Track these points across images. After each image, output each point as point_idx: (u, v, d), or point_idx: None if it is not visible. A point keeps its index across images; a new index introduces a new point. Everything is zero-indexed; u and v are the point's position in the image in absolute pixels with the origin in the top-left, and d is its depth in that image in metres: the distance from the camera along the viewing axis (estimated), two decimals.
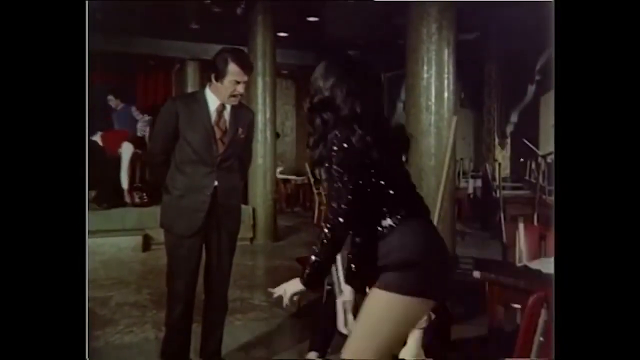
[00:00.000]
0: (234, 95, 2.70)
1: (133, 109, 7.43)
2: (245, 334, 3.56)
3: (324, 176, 1.79)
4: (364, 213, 1.71)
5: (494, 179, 7.25)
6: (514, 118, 9.57)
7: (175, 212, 2.74)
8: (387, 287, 1.71)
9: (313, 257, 1.76)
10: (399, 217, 1.73)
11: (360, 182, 1.69)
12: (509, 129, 9.70)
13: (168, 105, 2.81)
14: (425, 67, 4.39)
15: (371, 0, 6.89)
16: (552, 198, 1.98)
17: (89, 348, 3.06)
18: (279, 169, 10.55)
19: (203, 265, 2.86)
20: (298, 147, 12.49)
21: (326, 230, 1.70)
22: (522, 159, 8.56)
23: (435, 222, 2.68)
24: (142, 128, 7.35)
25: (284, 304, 1.88)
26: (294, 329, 3.76)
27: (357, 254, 1.76)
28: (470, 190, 8.77)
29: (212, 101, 2.74)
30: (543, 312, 1.81)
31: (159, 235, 3.54)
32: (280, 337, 3.66)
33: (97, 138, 6.87)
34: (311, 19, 8.06)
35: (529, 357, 1.85)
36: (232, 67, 2.64)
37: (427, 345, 2.53)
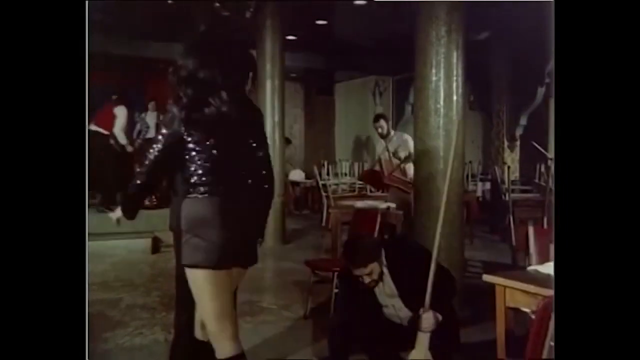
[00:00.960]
0: None
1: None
2: (254, 336, 3.57)
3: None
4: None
5: (503, 181, 7.21)
6: (523, 121, 9.51)
7: (183, 215, 2.74)
8: None
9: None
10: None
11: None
12: (519, 131, 9.64)
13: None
14: (433, 70, 4.37)
15: (379, 3, 6.89)
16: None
17: (99, 350, 3.09)
18: (293, 172, 10.55)
19: None
20: (306, 150, 12.51)
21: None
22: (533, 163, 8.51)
23: (439, 225, 2.65)
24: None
25: None
26: (303, 332, 3.76)
27: None
28: (479, 193, 8.73)
29: None
30: (553, 315, 1.80)
31: (168, 237, 3.55)
32: (289, 339, 3.66)
33: (93, 126, 6.84)
34: (320, 22, 8.08)
35: None
36: None
37: (435, 348, 2.53)
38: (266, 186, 2.29)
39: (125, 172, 6.62)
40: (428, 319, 2.52)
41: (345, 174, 9.62)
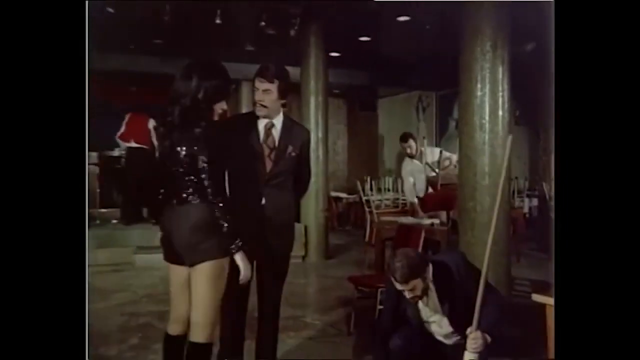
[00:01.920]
0: (254, 103, 2.75)
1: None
2: (297, 352, 3.58)
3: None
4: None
5: (550, 198, 7.03)
6: None
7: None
8: None
9: None
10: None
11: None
12: None
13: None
14: (479, 85, 4.35)
15: (423, 18, 6.89)
16: None
17: None
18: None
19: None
20: (349, 165, 12.52)
21: None
22: None
23: (489, 243, 2.60)
24: None
25: None
26: (346, 348, 3.75)
27: None
28: (526, 210, 8.54)
29: (261, 120, 2.78)
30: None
31: None
32: (333, 355, 3.65)
33: (133, 143, 7.02)
34: (363, 38, 8.12)
35: None
36: (255, 78, 2.73)
37: None
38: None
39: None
40: (476, 339, 2.46)
41: (389, 190, 9.57)
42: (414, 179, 5.94)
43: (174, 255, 2.42)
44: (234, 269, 2.76)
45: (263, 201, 2.74)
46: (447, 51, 5.28)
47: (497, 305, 2.65)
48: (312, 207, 7.14)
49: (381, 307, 3.73)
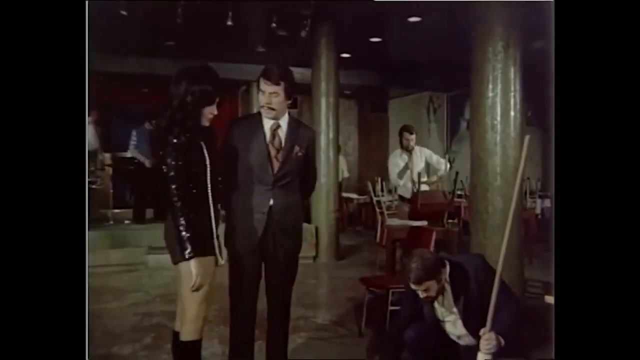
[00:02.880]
0: (261, 106, 2.76)
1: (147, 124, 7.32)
2: (308, 352, 3.59)
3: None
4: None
5: None
6: None
7: (233, 231, 2.78)
8: None
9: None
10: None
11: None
12: None
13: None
14: (490, 86, 4.33)
15: (433, 19, 6.87)
16: None
17: None
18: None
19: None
20: (360, 166, 12.52)
21: None
22: None
23: (504, 243, 2.58)
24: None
25: None
26: (357, 349, 3.75)
27: None
28: (538, 211, 8.47)
29: (267, 121, 2.79)
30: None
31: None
32: (343, 356, 3.65)
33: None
34: (374, 39, 8.12)
35: None
36: (260, 80, 2.72)
37: None
38: None
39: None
40: (490, 340, 2.44)
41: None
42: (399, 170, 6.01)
43: None
44: (240, 270, 2.80)
45: (271, 202, 2.76)
46: (458, 52, 5.27)
47: (513, 309, 2.64)
48: (322, 207, 7.15)
49: (392, 307, 3.74)
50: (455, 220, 5.80)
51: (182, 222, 2.33)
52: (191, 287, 2.39)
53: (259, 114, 2.83)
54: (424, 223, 5.23)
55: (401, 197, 6.16)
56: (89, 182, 6.34)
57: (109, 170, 7.77)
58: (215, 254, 2.48)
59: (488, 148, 4.33)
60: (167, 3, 6.01)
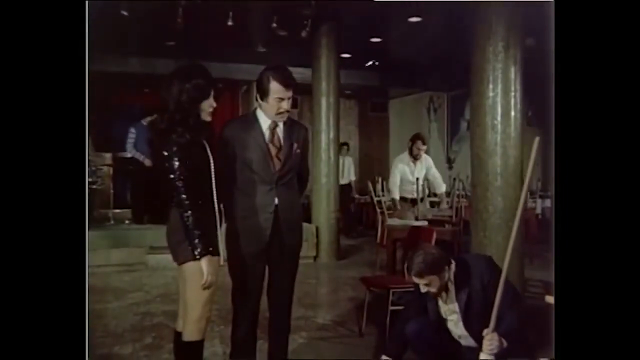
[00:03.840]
0: (279, 113, 2.73)
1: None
2: (309, 352, 3.59)
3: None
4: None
5: None
6: None
7: (239, 233, 2.77)
8: None
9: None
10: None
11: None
12: None
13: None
14: (490, 86, 4.33)
15: (434, 19, 6.88)
16: None
17: None
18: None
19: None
20: (361, 166, 12.52)
21: None
22: None
23: (511, 242, 2.55)
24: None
25: None
26: (358, 349, 3.75)
27: None
28: (539, 211, 8.47)
29: (264, 120, 2.78)
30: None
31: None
32: (344, 356, 3.66)
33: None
34: (374, 39, 8.12)
35: None
36: (274, 85, 2.67)
37: None
38: None
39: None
40: (492, 341, 2.43)
41: None
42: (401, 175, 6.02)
43: None
44: (245, 271, 2.80)
45: (276, 201, 2.76)
46: (459, 52, 5.27)
47: (519, 313, 2.62)
48: (323, 207, 7.16)
49: (393, 307, 3.74)
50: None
51: (191, 220, 2.32)
52: (202, 285, 2.37)
53: (254, 113, 2.82)
54: (424, 223, 5.24)
55: (403, 198, 6.15)
56: (89, 182, 6.35)
57: (109, 170, 7.76)
58: (219, 254, 2.47)
59: (488, 148, 4.33)
60: (167, 3, 6.01)
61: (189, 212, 2.33)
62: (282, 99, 2.69)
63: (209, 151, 2.46)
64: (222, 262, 2.54)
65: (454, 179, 6.02)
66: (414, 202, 6.02)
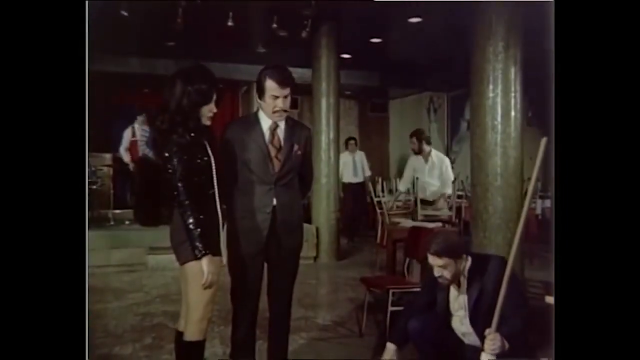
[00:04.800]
0: (275, 111, 2.72)
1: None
2: (309, 352, 3.59)
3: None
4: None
5: None
6: None
7: (238, 233, 2.77)
8: None
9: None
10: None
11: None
12: None
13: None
14: (491, 87, 4.33)
15: (434, 20, 6.88)
16: None
17: None
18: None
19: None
20: None
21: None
22: None
23: (515, 243, 2.54)
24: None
25: None
26: (358, 349, 3.75)
27: None
28: (539, 211, 8.47)
29: (265, 121, 2.78)
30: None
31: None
32: (344, 356, 3.66)
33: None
34: (374, 40, 8.12)
35: None
36: (269, 83, 2.68)
37: None
38: None
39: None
40: (494, 341, 2.41)
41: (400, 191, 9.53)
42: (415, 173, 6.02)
43: None
44: (243, 271, 2.80)
45: (274, 202, 2.76)
46: (459, 52, 5.27)
47: (524, 316, 2.61)
48: (323, 208, 7.16)
49: (393, 308, 3.74)
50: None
51: (192, 220, 2.33)
52: (203, 284, 2.37)
53: (255, 114, 2.83)
54: (438, 224, 5.23)
55: (423, 201, 5.99)
56: (89, 183, 6.35)
57: (109, 170, 7.76)
58: (221, 254, 2.48)
59: (488, 148, 4.34)
60: (167, 3, 6.02)
61: (190, 212, 2.33)
62: (277, 97, 2.69)
63: (210, 152, 2.46)
64: (224, 262, 2.55)
65: (454, 179, 6.01)
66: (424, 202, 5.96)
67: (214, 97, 2.48)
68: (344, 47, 7.53)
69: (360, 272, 5.96)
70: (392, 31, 7.72)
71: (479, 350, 2.52)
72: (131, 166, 7.53)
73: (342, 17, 7.05)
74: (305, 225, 3.14)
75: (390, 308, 3.78)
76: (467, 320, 2.71)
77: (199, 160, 2.41)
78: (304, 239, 2.98)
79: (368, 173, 9.12)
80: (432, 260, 2.65)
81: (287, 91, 2.70)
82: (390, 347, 2.80)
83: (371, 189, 7.25)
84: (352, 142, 9.29)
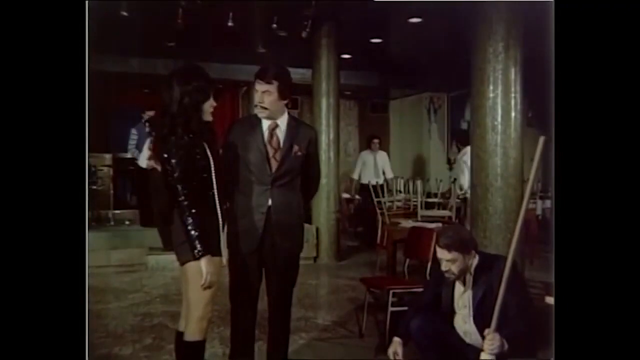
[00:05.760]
0: (256, 105, 2.77)
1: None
2: (308, 353, 3.59)
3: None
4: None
5: None
6: None
7: (235, 231, 2.78)
8: None
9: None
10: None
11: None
12: None
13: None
14: (491, 87, 4.33)
15: (434, 20, 6.88)
16: None
17: None
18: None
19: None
20: None
21: None
22: None
23: (513, 243, 2.54)
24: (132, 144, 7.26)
25: None
26: (358, 349, 3.75)
27: None
28: (539, 212, 8.47)
29: (265, 121, 2.80)
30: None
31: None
32: (344, 356, 3.66)
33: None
34: (374, 40, 8.12)
35: None
36: (255, 79, 2.74)
37: None
38: None
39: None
40: (493, 341, 2.41)
41: (400, 191, 9.54)
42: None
43: None
44: (241, 271, 2.80)
45: (269, 202, 2.76)
46: (459, 52, 5.27)
47: (527, 318, 2.59)
48: (323, 208, 7.16)
49: (393, 308, 3.74)
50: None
51: (190, 221, 2.34)
52: (202, 284, 2.37)
53: (257, 114, 2.83)
54: (425, 224, 5.23)
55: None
56: (90, 183, 6.34)
57: (109, 171, 7.76)
58: (221, 255, 2.48)
59: (488, 149, 4.34)
60: (167, 3, 6.02)
61: (189, 213, 2.34)
62: (257, 91, 2.74)
63: (209, 153, 2.46)
64: (224, 263, 2.55)
65: (454, 179, 6.02)
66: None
67: (212, 92, 2.50)
68: (344, 47, 7.52)
69: (361, 272, 5.96)
70: (392, 31, 7.72)
71: (479, 350, 2.52)
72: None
73: (342, 17, 7.05)
74: (305, 225, 3.13)
75: (391, 308, 3.78)
76: (470, 319, 2.71)
77: (197, 162, 2.41)
78: (304, 240, 2.97)
79: (390, 175, 8.67)
80: (441, 253, 2.65)
81: (265, 87, 2.72)
82: (397, 340, 2.80)
83: (371, 189, 7.25)
84: (376, 141, 8.75)
